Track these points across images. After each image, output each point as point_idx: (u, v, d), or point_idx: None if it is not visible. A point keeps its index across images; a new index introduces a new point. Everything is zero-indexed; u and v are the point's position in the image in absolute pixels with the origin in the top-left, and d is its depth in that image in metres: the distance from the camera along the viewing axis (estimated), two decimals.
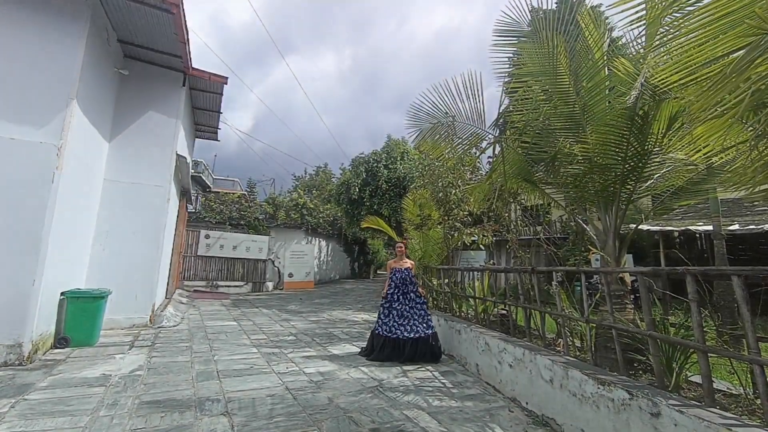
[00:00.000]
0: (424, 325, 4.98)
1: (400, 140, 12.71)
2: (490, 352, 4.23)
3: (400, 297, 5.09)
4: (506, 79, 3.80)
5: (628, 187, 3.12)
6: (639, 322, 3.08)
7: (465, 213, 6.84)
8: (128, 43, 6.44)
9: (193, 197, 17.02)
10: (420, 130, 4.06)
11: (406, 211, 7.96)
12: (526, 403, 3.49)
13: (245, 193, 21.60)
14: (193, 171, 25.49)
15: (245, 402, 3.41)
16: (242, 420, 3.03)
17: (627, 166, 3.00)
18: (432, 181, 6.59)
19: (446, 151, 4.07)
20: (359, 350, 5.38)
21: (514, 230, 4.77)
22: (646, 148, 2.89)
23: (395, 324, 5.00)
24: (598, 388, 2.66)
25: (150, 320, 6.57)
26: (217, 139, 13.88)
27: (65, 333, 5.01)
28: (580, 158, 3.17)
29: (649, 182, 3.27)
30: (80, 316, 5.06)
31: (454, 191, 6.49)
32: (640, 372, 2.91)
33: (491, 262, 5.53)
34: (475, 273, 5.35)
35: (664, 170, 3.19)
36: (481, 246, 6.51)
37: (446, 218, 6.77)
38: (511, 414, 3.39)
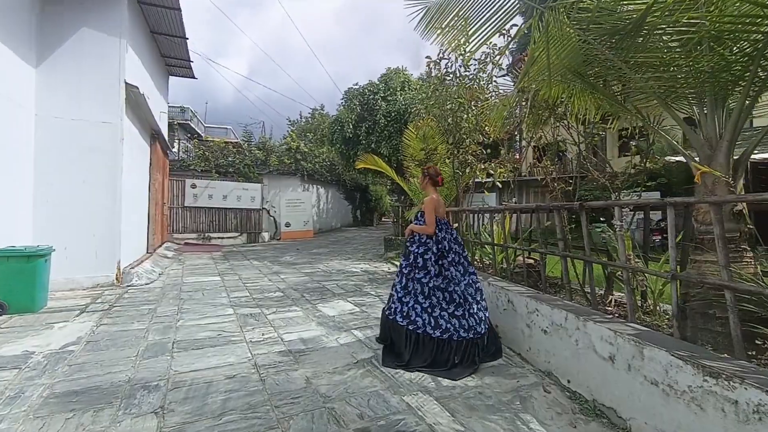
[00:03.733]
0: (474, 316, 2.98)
1: (400, 69, 10.96)
2: (515, 312, 3.31)
3: (425, 263, 3.12)
4: None
5: None
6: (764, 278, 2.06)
7: (478, 144, 5.61)
8: None
9: (175, 143, 15.70)
10: (426, 6, 2.76)
11: (407, 147, 6.74)
12: (568, 381, 2.61)
13: (239, 141, 20.16)
14: (179, 118, 23.86)
15: (195, 389, 2.57)
16: (178, 420, 2.18)
17: None
18: (439, 103, 5.29)
19: (462, 40, 2.79)
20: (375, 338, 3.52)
21: (552, 156, 3.62)
22: None
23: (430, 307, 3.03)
24: (705, 380, 1.70)
25: (116, 279, 5.76)
26: (193, 76, 12.27)
27: (0, 298, 4.18)
28: (683, 24, 1.93)
29: None
30: (14, 278, 4.19)
31: (465, 116, 5.21)
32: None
33: (513, 200, 4.48)
34: (494, 215, 4.30)
35: None
36: (498, 184, 5.39)
37: (455, 152, 5.57)
38: (548, 396, 2.53)
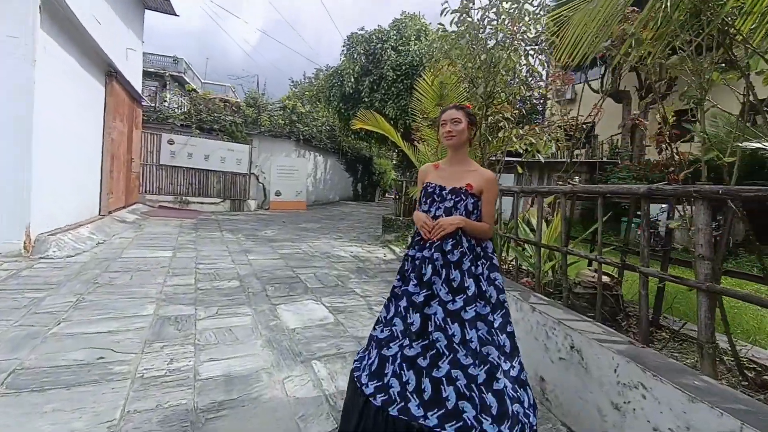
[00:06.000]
0: (503, 388, 1.39)
1: (417, 15, 9.07)
2: (584, 370, 1.91)
3: (432, 277, 1.55)
4: None
5: None
6: None
7: (516, 101, 4.04)
8: None
9: (151, 91, 14.02)
10: None
11: (419, 101, 5.16)
12: None
13: (227, 98, 18.31)
14: (172, 69, 21.98)
15: None
16: None
17: None
18: (468, 32, 3.69)
19: None
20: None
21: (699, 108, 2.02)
22: None
23: (399, 358, 1.50)
24: None
25: (25, 248, 4.40)
26: (172, 12, 10.48)
27: None
28: None
29: None
30: None
31: (506, 54, 3.63)
32: None
33: (577, 179, 3.02)
34: (543, 200, 2.81)
35: None
36: (540, 158, 3.86)
37: (485, 109, 4.02)
38: None
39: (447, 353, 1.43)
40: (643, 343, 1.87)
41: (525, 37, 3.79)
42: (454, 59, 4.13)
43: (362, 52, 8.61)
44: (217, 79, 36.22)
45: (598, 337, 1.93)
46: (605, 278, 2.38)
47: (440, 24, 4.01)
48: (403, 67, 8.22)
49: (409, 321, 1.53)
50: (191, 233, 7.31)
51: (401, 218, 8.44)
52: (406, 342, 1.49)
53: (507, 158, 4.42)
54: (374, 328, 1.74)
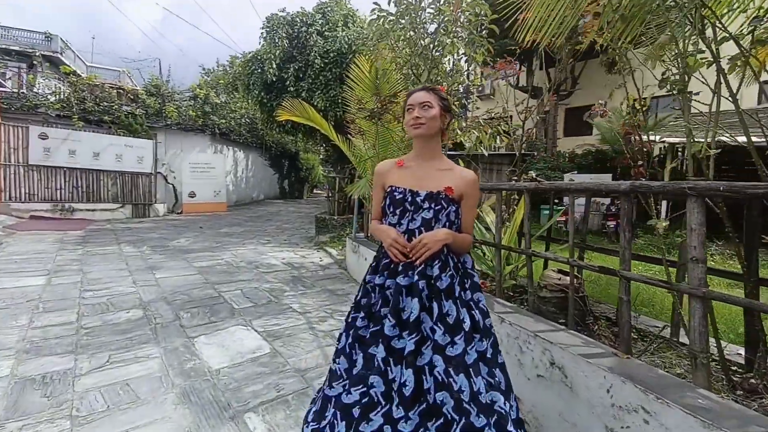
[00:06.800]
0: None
1: (342, 0, 8.50)
2: (569, 390, 1.71)
3: (420, 314, 1.19)
4: None
5: None
6: None
7: (455, 91, 3.85)
8: None
9: (13, 73, 11.38)
10: None
11: (352, 90, 4.71)
12: None
13: (120, 85, 15.66)
14: (43, 48, 18.12)
15: None
16: None
17: None
18: (409, 13, 3.34)
19: None
20: None
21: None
22: None
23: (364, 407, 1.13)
24: None
25: None
26: None
27: None
28: None
29: None
30: None
31: (449, 41, 3.37)
32: None
33: (531, 174, 2.91)
34: (500, 197, 2.60)
35: None
36: (483, 152, 3.72)
37: None
38: None
39: (457, 418, 1.06)
40: (626, 353, 1.72)
41: (463, 23, 3.59)
42: (393, 43, 3.76)
43: (285, 35, 7.76)
44: (109, 63, 31.19)
45: (582, 352, 1.74)
46: (577, 282, 2.24)
47: (375, 3, 3.60)
48: (332, 55, 7.62)
49: (391, 377, 1.12)
50: (76, 249, 5.91)
51: (335, 217, 7.95)
52: (398, 411, 1.08)
53: (449, 152, 4.23)
54: (331, 386, 1.29)
